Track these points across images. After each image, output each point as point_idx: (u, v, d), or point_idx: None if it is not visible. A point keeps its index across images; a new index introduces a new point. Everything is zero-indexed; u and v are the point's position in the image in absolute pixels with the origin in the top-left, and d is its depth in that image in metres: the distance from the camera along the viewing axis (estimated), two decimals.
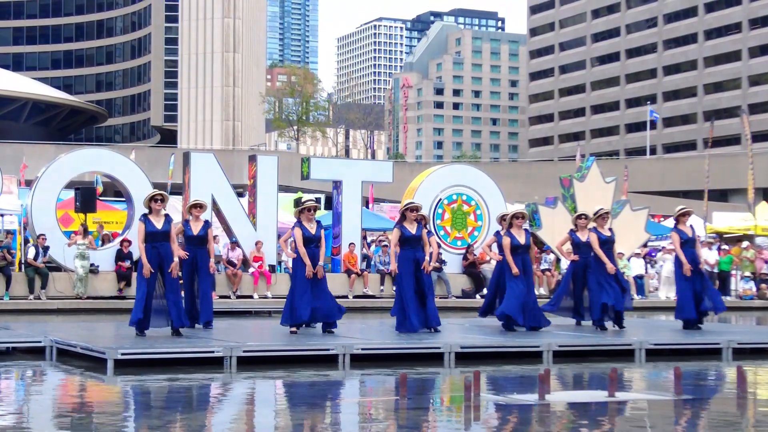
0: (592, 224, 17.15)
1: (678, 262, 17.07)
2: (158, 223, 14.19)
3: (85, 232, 25.85)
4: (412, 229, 15.51)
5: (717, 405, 10.57)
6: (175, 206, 33.68)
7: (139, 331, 14.03)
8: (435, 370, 12.52)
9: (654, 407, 10.02)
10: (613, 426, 8.93)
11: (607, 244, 16.90)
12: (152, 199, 14.27)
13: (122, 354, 11.86)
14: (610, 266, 16.53)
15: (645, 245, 33.02)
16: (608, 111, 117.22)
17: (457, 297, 28.37)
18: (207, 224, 15.58)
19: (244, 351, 12.40)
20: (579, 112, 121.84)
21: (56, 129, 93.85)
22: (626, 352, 13.91)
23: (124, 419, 9.09)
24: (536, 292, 28.95)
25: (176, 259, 14.11)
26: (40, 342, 13.60)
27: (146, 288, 13.99)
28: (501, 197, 30.09)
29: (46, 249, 25.31)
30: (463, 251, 29.55)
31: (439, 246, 21.66)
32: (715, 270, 31.63)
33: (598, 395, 10.61)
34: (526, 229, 16.96)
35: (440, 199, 29.49)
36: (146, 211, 14.43)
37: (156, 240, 14.08)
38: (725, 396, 11.46)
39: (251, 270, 26.93)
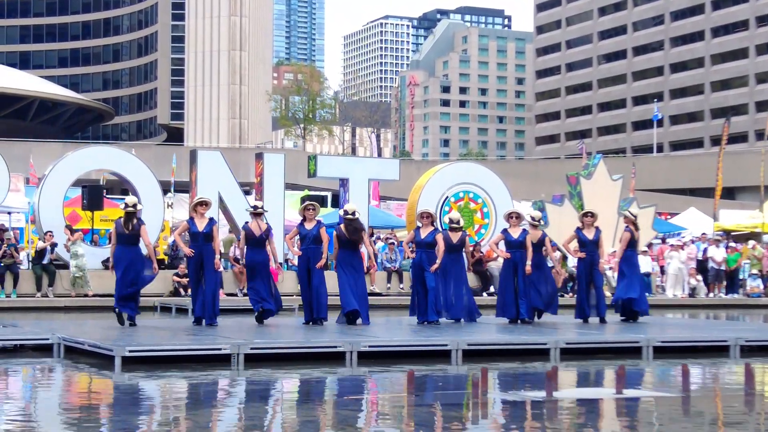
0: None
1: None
2: (200, 225, 15.58)
3: (72, 231, 25.68)
4: (423, 233, 16.75)
5: (724, 402, 10.54)
6: (182, 202, 33.85)
7: (197, 323, 15.61)
8: (442, 367, 12.51)
9: (662, 404, 10.00)
10: (621, 423, 8.91)
11: (590, 245, 17.12)
12: (198, 204, 15.85)
13: (130, 351, 11.86)
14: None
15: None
16: (615, 108, 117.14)
17: None
18: (212, 221, 15.80)
19: (252, 348, 12.40)
20: (585, 110, 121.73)
21: (63, 127, 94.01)
22: (634, 350, 13.88)
23: (131, 416, 9.08)
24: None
25: (217, 257, 15.58)
26: (47, 339, 13.61)
27: (193, 283, 15.76)
28: (508, 195, 30.04)
29: (53, 246, 25.34)
30: (470, 249, 29.53)
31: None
32: (723, 267, 31.60)
33: (606, 392, 10.62)
34: (524, 229, 17.20)
35: (447, 197, 29.47)
36: (193, 214, 15.88)
37: (196, 240, 15.57)
38: (733, 393, 11.44)
39: (234, 268, 26.90)
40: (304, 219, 16.43)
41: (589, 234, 17.11)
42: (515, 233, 17.10)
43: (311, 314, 16.24)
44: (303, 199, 32.31)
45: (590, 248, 17.04)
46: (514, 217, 17.40)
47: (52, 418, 8.88)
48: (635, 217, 17.97)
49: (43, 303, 24.36)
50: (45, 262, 25.19)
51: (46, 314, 22.04)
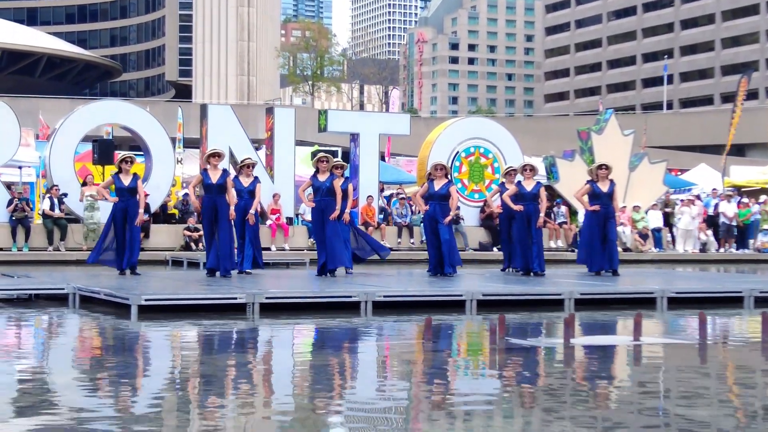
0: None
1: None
2: (213, 177, 15.64)
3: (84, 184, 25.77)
4: (437, 185, 16.72)
5: (743, 350, 10.55)
6: (194, 157, 33.82)
7: (210, 274, 15.71)
8: (457, 317, 12.53)
9: (679, 351, 10.02)
10: (642, 368, 8.92)
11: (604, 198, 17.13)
12: (211, 156, 15.93)
13: (146, 300, 11.90)
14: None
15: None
16: (624, 66, 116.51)
17: (475, 249, 28.38)
18: (225, 173, 15.94)
19: (267, 297, 12.43)
20: (595, 67, 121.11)
21: (71, 84, 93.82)
22: (648, 300, 13.88)
23: (150, 364, 9.13)
24: (554, 245, 29.21)
25: (231, 209, 15.70)
26: (63, 289, 13.65)
27: (207, 235, 15.83)
28: (518, 150, 29.98)
29: (60, 200, 25.38)
30: (481, 204, 29.52)
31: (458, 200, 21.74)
32: (734, 223, 31.56)
33: (623, 339, 10.63)
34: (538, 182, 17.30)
35: (458, 152, 29.42)
36: (206, 166, 16.01)
37: (211, 192, 15.63)
38: (750, 341, 11.45)
39: (269, 222, 26.94)
40: (317, 171, 16.37)
41: (604, 186, 17.07)
42: (529, 186, 17.14)
43: (324, 266, 16.23)
44: (314, 154, 32.33)
45: (605, 201, 17.00)
46: (528, 169, 17.41)
47: (71, 366, 8.91)
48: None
49: (55, 256, 24.43)
50: (55, 215, 25.24)
51: (58, 267, 22.09)
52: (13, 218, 24.83)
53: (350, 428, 5.96)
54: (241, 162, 17.33)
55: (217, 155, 15.94)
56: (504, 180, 18.63)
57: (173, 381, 7.99)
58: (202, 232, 26.03)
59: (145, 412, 6.60)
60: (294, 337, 11.36)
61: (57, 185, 25.56)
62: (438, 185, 16.62)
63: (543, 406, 6.75)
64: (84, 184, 25.64)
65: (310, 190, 17.01)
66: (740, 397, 7.34)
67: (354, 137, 29.01)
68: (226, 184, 15.68)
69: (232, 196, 15.83)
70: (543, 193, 17.26)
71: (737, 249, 31.60)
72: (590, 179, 17.36)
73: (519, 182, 17.35)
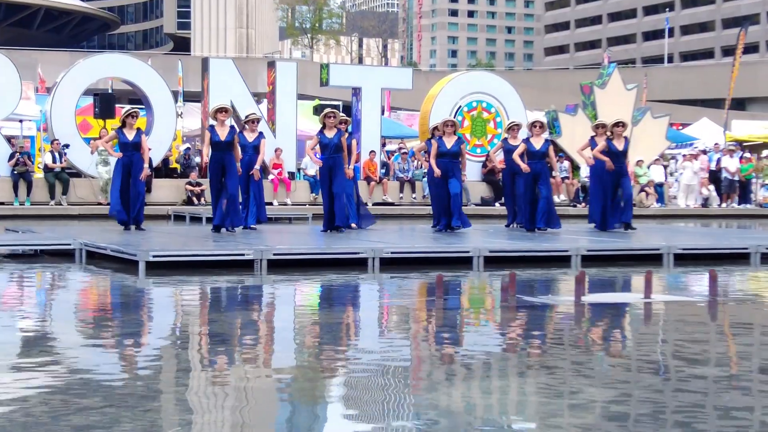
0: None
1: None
2: (222, 134, 15.44)
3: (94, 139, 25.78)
4: (449, 143, 16.68)
5: (756, 306, 10.55)
6: (194, 111, 33.66)
7: (216, 231, 15.64)
8: (465, 274, 12.52)
9: (691, 308, 10.01)
10: (657, 325, 8.91)
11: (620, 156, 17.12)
12: (217, 111, 15.60)
13: (153, 256, 11.87)
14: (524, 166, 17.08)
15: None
16: (625, 18, 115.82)
17: (477, 204, 28.38)
18: (233, 129, 15.83)
19: (275, 254, 12.41)
20: (595, 20, 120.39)
21: (68, 36, 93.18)
22: (654, 257, 13.87)
23: (160, 319, 9.11)
24: (557, 200, 29.18)
25: (265, 160, 15.72)
26: (69, 245, 13.61)
27: (214, 191, 15.70)
28: (521, 104, 29.89)
29: (62, 153, 25.32)
30: (483, 159, 29.47)
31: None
32: (736, 178, 31.52)
33: (635, 297, 10.62)
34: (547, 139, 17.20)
35: (460, 107, 29.32)
36: (213, 122, 15.71)
37: (219, 149, 15.44)
38: (763, 297, 11.46)
39: (271, 177, 26.88)
40: (324, 127, 16.25)
41: (619, 144, 17.00)
42: (537, 143, 17.05)
43: (330, 223, 16.15)
44: (315, 108, 32.20)
45: (620, 158, 17.01)
46: (537, 126, 17.31)
47: (79, 321, 8.90)
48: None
49: (57, 211, 24.40)
50: (57, 167, 25.17)
51: (61, 222, 22.08)
52: (15, 172, 24.78)
53: (363, 385, 5.95)
54: (246, 117, 17.22)
55: (225, 110, 15.66)
56: (507, 135, 18.53)
57: (184, 338, 7.98)
58: (204, 187, 26.09)
59: (159, 367, 6.60)
60: (304, 294, 11.35)
61: (58, 139, 25.48)
62: (449, 142, 16.59)
63: (559, 364, 6.74)
64: (99, 137, 25.57)
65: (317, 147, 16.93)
66: (751, 354, 7.35)
67: (356, 91, 28.90)
68: (234, 140, 15.56)
69: (238, 152, 15.75)
70: (552, 150, 17.22)
71: (739, 204, 31.59)
72: (607, 137, 17.19)
73: (527, 139, 17.25)
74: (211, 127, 15.75)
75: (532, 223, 17.11)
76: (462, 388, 5.91)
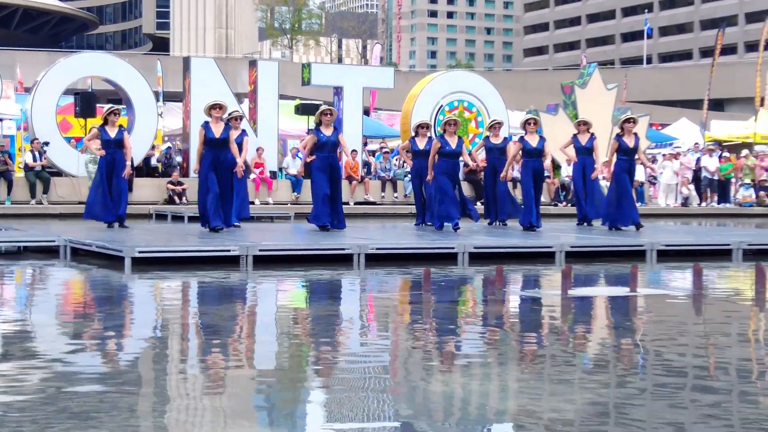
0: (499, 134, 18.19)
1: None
2: (217, 131, 15.14)
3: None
4: (421, 144, 17.50)
5: (740, 301, 10.63)
6: (174, 111, 33.58)
7: (211, 229, 15.19)
8: (450, 269, 12.56)
9: (677, 302, 10.08)
10: (643, 318, 8.97)
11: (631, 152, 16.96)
12: (212, 107, 15.26)
13: (139, 252, 11.86)
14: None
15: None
16: (604, 20, 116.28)
17: None
18: (228, 126, 15.52)
19: (261, 250, 12.42)
20: (574, 21, 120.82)
21: (47, 36, 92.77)
22: (637, 254, 13.95)
23: (147, 315, 9.11)
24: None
25: (240, 162, 15.43)
26: (53, 241, 13.58)
27: (206, 190, 15.16)
28: (502, 103, 29.98)
29: (41, 153, 25.24)
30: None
31: None
32: (716, 177, 31.72)
33: (620, 291, 10.69)
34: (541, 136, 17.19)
35: (441, 106, 29.36)
36: (207, 119, 15.35)
37: (214, 146, 15.07)
38: (746, 291, 11.55)
39: (252, 176, 26.85)
40: (320, 124, 15.96)
41: (630, 141, 16.81)
42: (533, 141, 16.97)
43: (317, 221, 16.07)
44: (297, 108, 32.16)
45: (631, 156, 16.87)
46: (531, 123, 17.29)
47: (65, 317, 8.89)
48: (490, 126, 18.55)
49: (38, 210, 24.33)
50: (37, 165, 25.08)
51: (42, 221, 22.00)
52: None
53: (350, 377, 5.97)
54: (229, 114, 17.14)
55: (219, 107, 15.32)
56: (488, 133, 18.64)
57: (175, 331, 7.98)
58: (186, 186, 26.07)
59: (148, 361, 6.60)
60: (290, 289, 11.36)
61: (38, 138, 25.40)
62: (422, 143, 17.21)
63: (548, 356, 6.79)
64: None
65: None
66: (735, 345, 7.42)
67: (337, 90, 28.93)
68: (230, 137, 15.26)
69: (236, 149, 15.39)
70: (548, 147, 17.24)
71: (718, 203, 31.79)
72: (618, 134, 17.08)
73: (522, 138, 17.20)
74: (206, 123, 15.31)
75: (537, 220, 17.10)
76: (451, 377, 5.94)
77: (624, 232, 16.52)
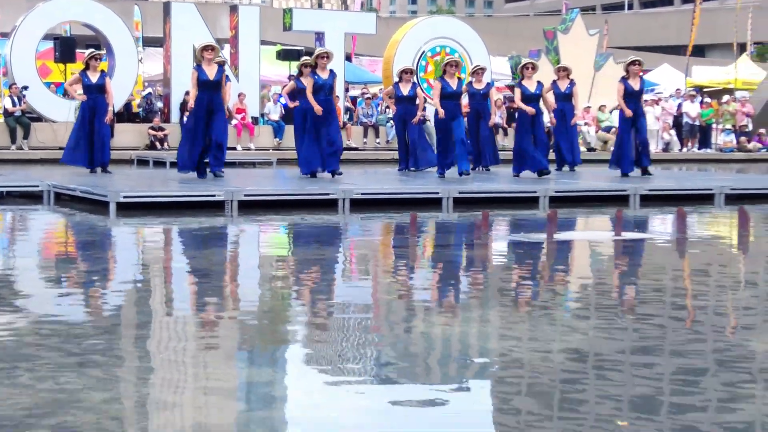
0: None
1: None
2: (210, 73, 14.63)
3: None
4: (405, 89, 17.42)
5: (725, 244, 10.72)
6: (154, 56, 33.31)
7: (185, 172, 14.98)
8: (434, 215, 12.59)
9: (660, 246, 10.16)
10: (627, 261, 9.04)
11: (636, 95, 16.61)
12: (204, 48, 14.82)
13: (124, 197, 11.82)
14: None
15: None
16: None
17: None
18: (221, 68, 15.04)
19: (246, 195, 12.40)
20: None
21: None
22: (621, 198, 14.01)
23: (133, 260, 9.11)
24: None
25: (229, 105, 15.31)
26: (37, 186, 13.53)
27: (192, 134, 14.78)
28: (484, 49, 29.83)
29: (20, 98, 25.04)
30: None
31: (425, 101, 21.52)
32: (697, 123, 31.78)
33: (605, 235, 10.76)
34: (538, 81, 17.03)
35: (423, 52, 29.21)
36: (200, 59, 14.83)
37: (208, 88, 14.54)
38: (730, 235, 11.64)
39: (234, 122, 26.71)
40: (316, 67, 15.55)
41: (635, 84, 16.47)
42: (531, 86, 16.80)
43: (309, 167, 15.98)
44: (278, 53, 31.91)
45: (636, 99, 16.53)
46: (530, 68, 17.08)
47: (50, 261, 8.88)
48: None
49: (19, 155, 24.15)
50: (16, 110, 24.89)
51: (22, 166, 21.85)
52: None
53: (333, 322, 6.01)
54: None
55: (212, 48, 14.97)
56: (471, 79, 18.59)
57: (158, 276, 7.99)
58: (167, 131, 25.95)
59: (137, 304, 6.62)
60: (274, 234, 11.37)
61: (16, 83, 25.18)
62: (405, 89, 17.15)
63: (536, 299, 6.85)
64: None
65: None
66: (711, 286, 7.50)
67: (319, 36, 28.71)
68: (223, 80, 14.83)
69: (227, 93, 14.99)
70: (546, 91, 17.19)
71: (699, 149, 31.88)
72: (623, 76, 16.63)
73: (520, 83, 17.05)
74: (198, 66, 14.88)
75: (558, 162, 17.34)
76: (440, 320, 5.98)
77: (629, 177, 16.35)
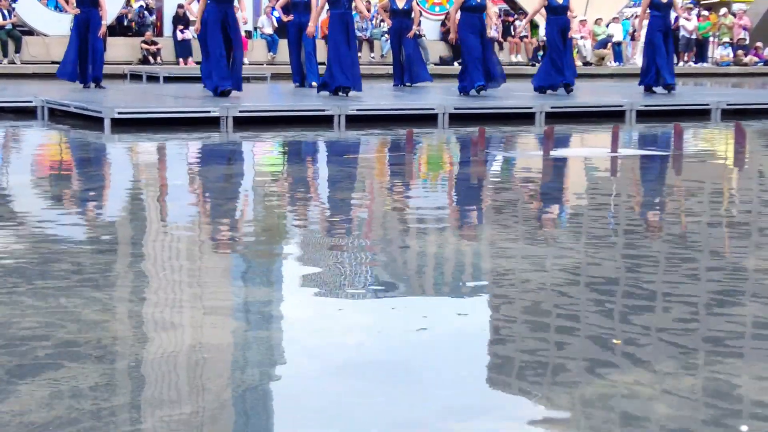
0: None
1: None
2: None
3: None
4: (400, 3, 16.87)
5: (720, 158, 10.72)
6: None
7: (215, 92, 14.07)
8: (430, 131, 12.56)
9: (658, 161, 10.16)
10: (625, 175, 9.05)
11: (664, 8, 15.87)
12: None
13: (119, 113, 11.77)
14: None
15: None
16: None
17: (436, 64, 28.20)
18: None
19: (240, 111, 12.35)
20: None
21: None
22: (617, 114, 13.98)
23: (129, 176, 9.10)
24: (515, 59, 29.14)
25: (242, 17, 14.36)
26: (30, 102, 13.45)
27: (211, 48, 13.80)
28: None
29: (10, 11, 24.75)
30: (442, 17, 29.18)
31: (420, 14, 21.29)
32: (693, 36, 31.56)
33: (601, 152, 10.75)
34: None
35: None
36: None
37: (221, 1, 13.75)
38: (726, 150, 11.65)
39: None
40: None
41: None
42: None
43: (302, 79, 16.18)
44: None
45: (665, 11, 15.83)
46: None
47: (47, 176, 8.87)
48: None
49: (10, 69, 23.93)
50: (8, 27, 24.63)
51: (15, 81, 21.68)
52: None
53: (328, 240, 6.02)
54: None
55: None
56: None
57: (154, 192, 7.99)
58: (160, 45, 25.72)
59: (137, 221, 6.62)
60: (269, 150, 11.34)
61: None
62: (401, 2, 17.03)
63: (531, 214, 6.86)
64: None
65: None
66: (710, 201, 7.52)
67: None
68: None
69: (244, 3, 14.74)
70: (572, 3, 16.72)
71: (696, 62, 31.71)
72: None
73: None
74: None
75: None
76: (426, 239, 6.00)
77: (656, 94, 16.08)
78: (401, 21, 17.42)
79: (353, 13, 15.14)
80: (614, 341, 3.78)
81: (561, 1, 17.08)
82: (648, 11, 15.98)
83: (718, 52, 32.06)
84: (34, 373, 3.31)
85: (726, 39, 31.99)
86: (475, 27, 15.04)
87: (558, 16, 16.23)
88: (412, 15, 17.51)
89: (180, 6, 24.79)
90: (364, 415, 3.01)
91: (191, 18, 20.89)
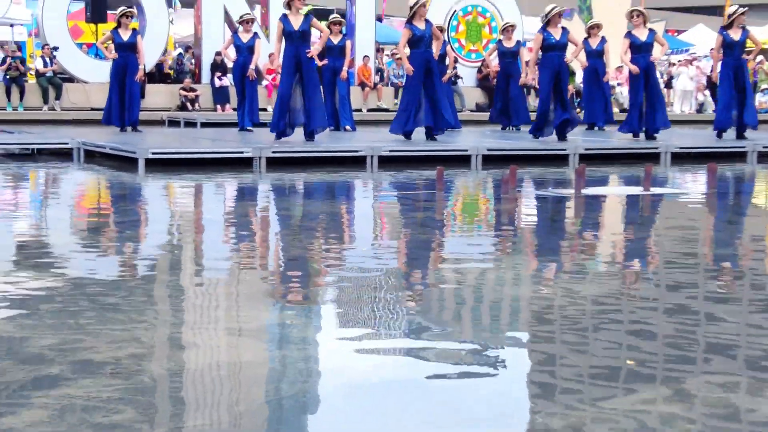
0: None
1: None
2: (296, 23, 13.71)
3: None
4: (421, 25, 14.49)
5: (756, 199, 10.63)
6: (185, 17, 33.29)
7: (279, 136, 13.77)
8: (463, 171, 12.54)
9: (690, 201, 10.08)
10: (654, 215, 8.98)
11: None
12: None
13: (153, 153, 11.85)
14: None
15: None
16: None
17: (472, 111, 28.28)
18: (255, 35, 16.54)
19: (274, 152, 12.41)
20: None
21: None
22: (652, 156, 13.89)
23: (162, 215, 9.15)
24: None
25: (259, 65, 15.90)
26: (67, 144, 13.59)
27: (284, 90, 13.61)
28: (516, 8, 29.59)
29: (52, 58, 25.12)
30: (478, 64, 29.28)
31: (455, 60, 21.33)
32: None
33: (634, 190, 10.68)
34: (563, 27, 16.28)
35: (455, 11, 29.02)
36: (286, 11, 13.94)
37: (293, 40, 13.60)
38: (759, 191, 11.56)
39: (265, 83, 26.68)
40: (412, 18, 14.60)
41: (735, 35, 15.31)
42: (642, 35, 15.41)
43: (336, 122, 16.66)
44: (308, 14, 31.86)
45: (738, 51, 15.39)
46: (636, 15, 15.61)
47: (84, 214, 8.93)
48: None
49: (51, 116, 24.24)
50: (47, 71, 24.99)
51: (54, 126, 21.95)
52: (7, 77, 24.56)
53: (363, 276, 5.99)
54: (240, 17, 17.11)
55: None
56: (501, 37, 18.46)
57: (189, 230, 8.01)
58: (198, 92, 25.99)
59: (169, 257, 6.64)
60: (304, 190, 11.37)
61: (48, 44, 25.24)
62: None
63: (565, 252, 6.81)
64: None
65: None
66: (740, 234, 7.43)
67: None
68: (256, 45, 16.26)
69: (258, 57, 16.54)
70: (607, 47, 16.96)
71: None
72: (722, 26, 15.77)
73: (630, 33, 15.62)
74: (284, 16, 13.93)
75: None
76: (464, 271, 5.96)
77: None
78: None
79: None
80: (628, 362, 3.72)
81: (595, 47, 17.13)
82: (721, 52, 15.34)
83: (757, 99, 31.87)
84: (48, 385, 3.30)
85: (765, 85, 31.83)
86: (551, 65, 14.55)
87: (642, 54, 15.36)
88: (447, 60, 17.52)
89: (218, 53, 25.02)
90: None
91: (228, 65, 21.24)
